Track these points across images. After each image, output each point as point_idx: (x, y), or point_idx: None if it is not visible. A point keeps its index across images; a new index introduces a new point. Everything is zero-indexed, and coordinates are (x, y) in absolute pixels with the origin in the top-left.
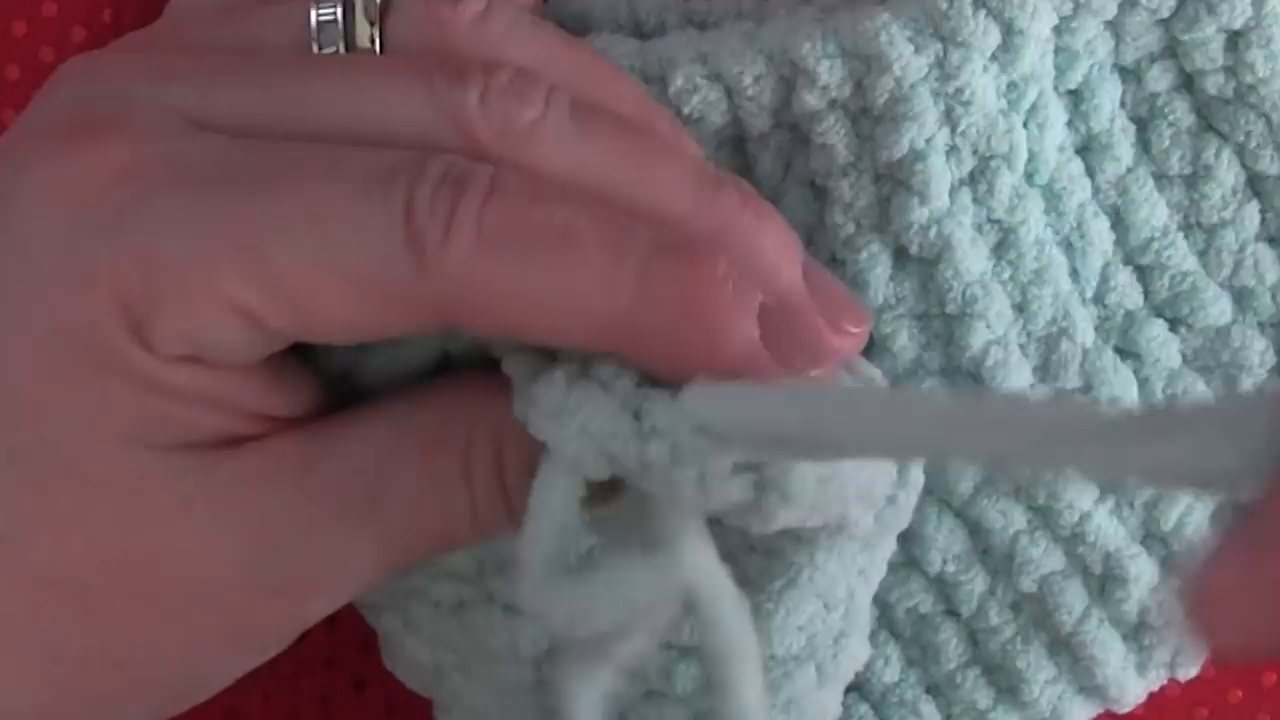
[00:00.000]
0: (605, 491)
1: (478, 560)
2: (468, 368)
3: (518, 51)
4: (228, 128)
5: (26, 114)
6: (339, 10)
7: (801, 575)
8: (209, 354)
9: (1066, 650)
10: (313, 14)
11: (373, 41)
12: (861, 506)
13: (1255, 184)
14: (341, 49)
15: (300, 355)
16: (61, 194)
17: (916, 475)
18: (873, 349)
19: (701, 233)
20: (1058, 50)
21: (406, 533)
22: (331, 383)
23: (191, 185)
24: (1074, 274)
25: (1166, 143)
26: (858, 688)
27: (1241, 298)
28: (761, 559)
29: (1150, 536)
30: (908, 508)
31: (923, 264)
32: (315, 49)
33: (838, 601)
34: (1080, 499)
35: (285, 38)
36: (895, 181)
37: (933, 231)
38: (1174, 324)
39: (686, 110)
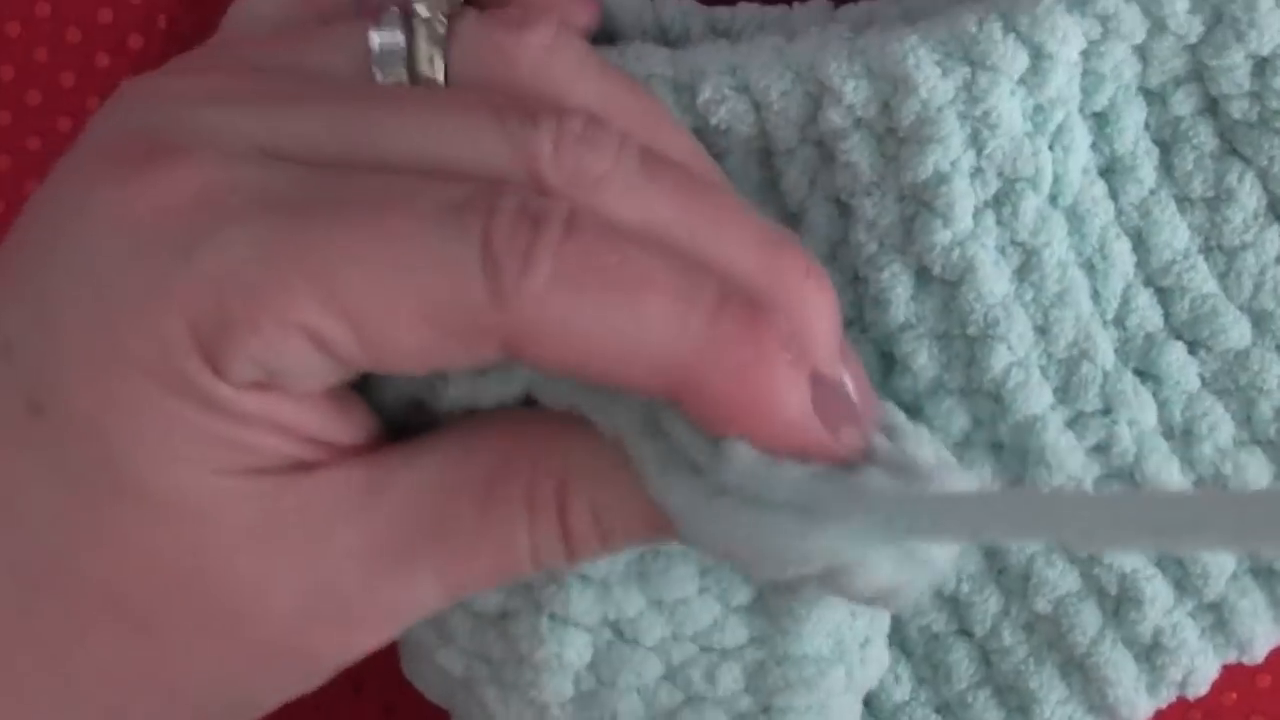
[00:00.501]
0: None
1: None
2: (529, 411)
3: (585, 92)
4: (297, 159)
5: (88, 135)
6: (401, 36)
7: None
8: (280, 380)
9: (1079, 671)
10: (375, 38)
11: (434, 67)
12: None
13: (1277, 208)
14: (404, 76)
15: (360, 383)
16: (130, 218)
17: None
18: (894, 368)
19: (764, 291)
20: (1085, 73)
21: (465, 569)
22: (401, 411)
23: (264, 212)
24: (1095, 296)
25: (1189, 166)
26: (867, 704)
27: (1261, 321)
28: None
29: (1166, 558)
30: None
31: (945, 285)
32: (378, 76)
33: (863, 609)
34: None
35: (347, 64)
36: (919, 202)
37: (955, 253)
38: (1193, 346)
39: (714, 120)
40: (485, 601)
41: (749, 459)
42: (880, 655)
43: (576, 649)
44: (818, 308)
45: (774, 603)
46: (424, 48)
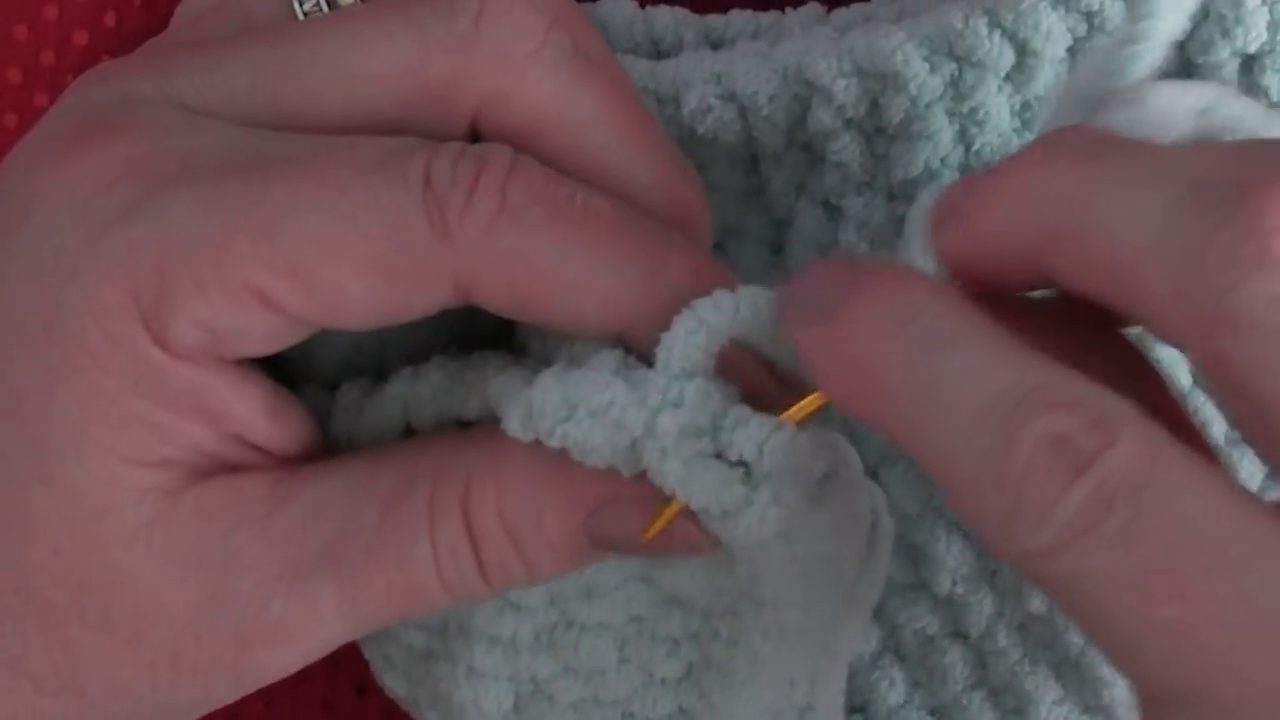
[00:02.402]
0: None
1: (443, 618)
2: (435, 432)
3: None
4: (228, 111)
5: (38, 124)
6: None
7: (764, 668)
8: (225, 343)
9: (1075, 671)
10: (295, 5)
11: None
12: (839, 542)
13: None
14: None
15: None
16: (67, 192)
17: (880, 562)
18: None
19: (659, 208)
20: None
21: (367, 588)
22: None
23: (201, 175)
24: None
25: None
26: (862, 709)
27: None
28: (727, 647)
29: None
30: (876, 585)
31: None
32: (299, 14)
33: (801, 679)
34: None
35: (270, 15)
36: (910, 200)
37: None
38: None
39: (700, 130)
40: (412, 636)
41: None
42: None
43: (495, 697)
44: (698, 235)
45: (705, 679)
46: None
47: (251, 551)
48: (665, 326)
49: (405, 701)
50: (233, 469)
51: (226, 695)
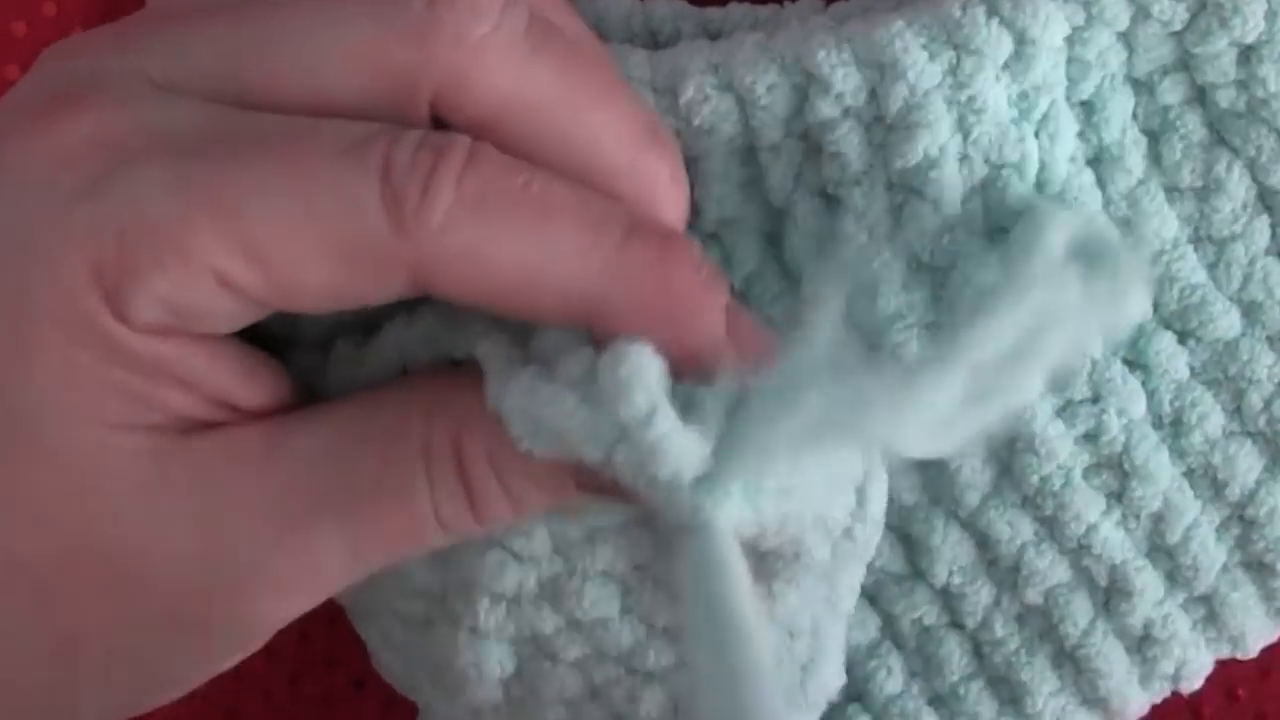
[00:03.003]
0: None
1: (442, 581)
2: (427, 372)
3: None
4: (193, 86)
5: (4, 98)
6: None
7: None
8: (186, 322)
9: (1071, 662)
10: None
11: None
12: (817, 535)
13: (1266, 198)
14: None
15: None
16: (32, 166)
17: (876, 510)
18: (884, 359)
19: (624, 181)
20: (1070, 61)
21: (368, 529)
22: (302, 382)
23: (166, 152)
24: None
25: (1178, 155)
26: (859, 699)
27: (1250, 311)
28: None
29: (1156, 549)
30: (867, 541)
31: (935, 273)
32: None
33: (801, 631)
34: (1087, 510)
35: None
36: (908, 190)
37: (945, 240)
38: (1182, 336)
39: (697, 121)
40: (410, 606)
41: (564, 337)
42: (829, 678)
43: (497, 659)
44: (668, 211)
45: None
46: None
47: (249, 503)
48: (624, 316)
49: (403, 682)
50: (221, 426)
51: (226, 651)
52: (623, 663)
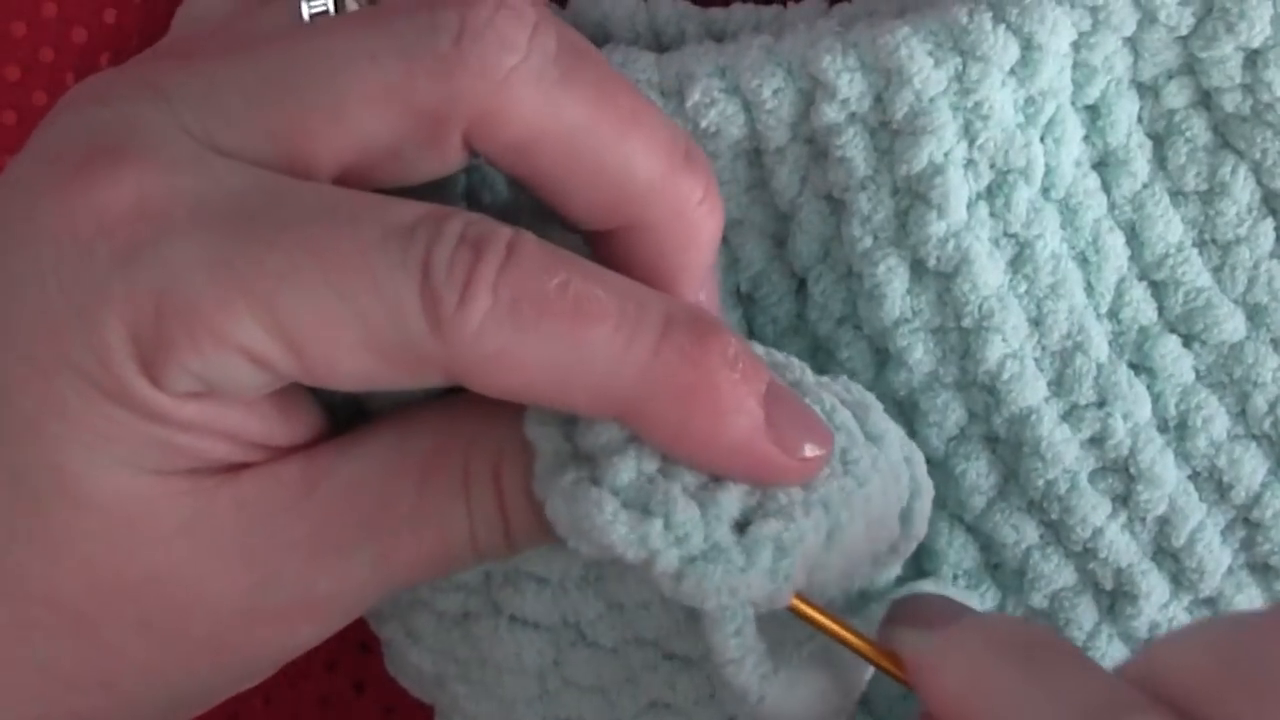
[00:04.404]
0: None
1: (485, 571)
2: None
3: None
4: (227, 141)
5: (34, 140)
6: (330, 1)
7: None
8: (219, 390)
9: None
10: (304, 8)
11: None
12: (863, 567)
13: (1270, 201)
14: None
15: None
16: (72, 226)
17: (920, 527)
18: (889, 362)
19: (655, 208)
20: (1076, 65)
21: (405, 555)
22: (333, 405)
23: (206, 226)
24: (1089, 289)
25: (1183, 159)
26: (862, 702)
27: (1255, 314)
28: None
29: (1161, 552)
30: (908, 551)
31: (940, 277)
32: None
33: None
34: (1093, 513)
35: (274, 24)
36: (913, 195)
37: (950, 245)
38: (1187, 340)
39: (704, 124)
40: (448, 601)
41: (612, 436)
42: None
43: (537, 649)
44: (701, 233)
45: None
46: (351, 7)
47: (293, 534)
48: (658, 416)
49: (427, 683)
50: (259, 463)
51: (264, 673)
52: (661, 647)
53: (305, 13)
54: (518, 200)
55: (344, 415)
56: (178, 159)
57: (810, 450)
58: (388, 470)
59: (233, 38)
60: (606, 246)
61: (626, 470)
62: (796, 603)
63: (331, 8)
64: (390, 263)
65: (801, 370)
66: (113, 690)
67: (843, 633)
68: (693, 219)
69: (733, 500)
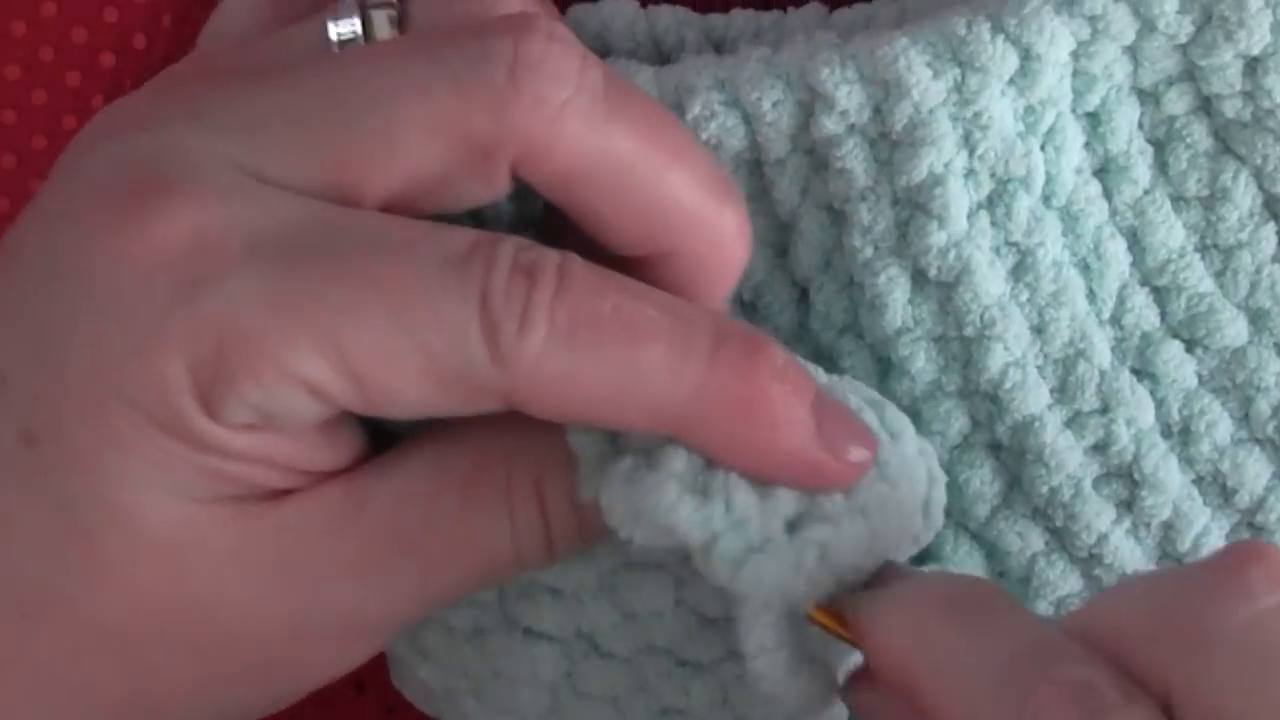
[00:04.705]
0: None
1: (498, 586)
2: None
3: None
4: (279, 174)
5: (74, 167)
6: (358, 22)
7: None
8: (271, 421)
9: None
10: (332, 29)
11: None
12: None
13: (1272, 206)
14: None
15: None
16: (129, 261)
17: (938, 518)
18: (890, 372)
19: (689, 234)
20: (1076, 73)
21: (449, 571)
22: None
23: (264, 258)
24: (1091, 295)
25: (1184, 165)
26: None
27: (1258, 319)
28: None
29: (1166, 557)
30: (927, 541)
31: (941, 287)
32: None
33: None
34: (1098, 520)
35: (305, 46)
36: (914, 205)
37: (951, 255)
38: (1190, 345)
39: (704, 136)
40: (459, 617)
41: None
42: None
43: (551, 662)
44: (734, 261)
45: None
46: (380, 28)
47: (338, 557)
48: (713, 430)
49: (436, 697)
50: (302, 488)
51: (300, 692)
52: (674, 654)
53: (333, 34)
54: (522, 212)
55: (382, 435)
56: (228, 190)
57: (857, 454)
58: (429, 489)
59: (267, 61)
60: (639, 271)
61: (679, 458)
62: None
63: (360, 29)
64: (449, 294)
65: (815, 373)
66: (160, 715)
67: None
68: (729, 248)
69: (788, 499)
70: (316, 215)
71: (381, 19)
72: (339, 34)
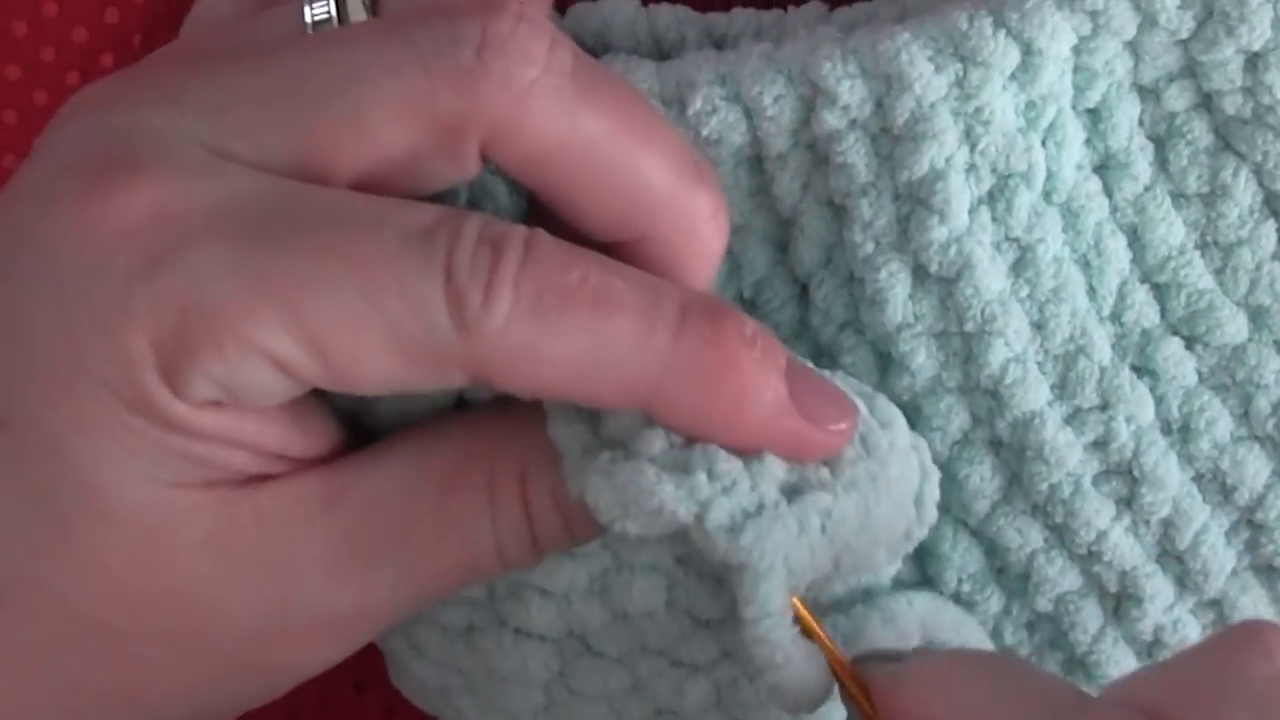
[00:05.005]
0: None
1: (488, 585)
2: (485, 408)
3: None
4: (247, 155)
5: (44, 147)
6: (332, 4)
7: None
8: (238, 398)
9: (1081, 669)
10: (307, 12)
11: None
12: (879, 552)
13: (1272, 203)
14: None
15: (319, 395)
16: (92, 237)
17: (931, 513)
18: (891, 367)
19: (666, 216)
20: (1077, 69)
21: (430, 569)
22: (350, 421)
23: (226, 232)
24: (1091, 292)
25: (1184, 161)
26: None
27: (1258, 316)
28: None
29: (1166, 555)
30: (920, 538)
31: (942, 282)
32: None
33: (843, 619)
34: (1097, 517)
35: (280, 30)
36: (915, 200)
37: (952, 250)
38: (1190, 342)
39: (705, 132)
40: (451, 615)
41: (636, 418)
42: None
43: (542, 660)
44: (710, 247)
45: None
46: (354, 10)
47: (312, 551)
48: (683, 400)
49: (431, 694)
50: (280, 477)
51: (280, 688)
52: (667, 655)
53: (308, 16)
54: (518, 209)
55: (361, 432)
56: (193, 167)
57: (836, 423)
58: (409, 485)
59: (241, 44)
60: (614, 257)
61: (658, 441)
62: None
63: (334, 12)
64: (414, 265)
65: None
66: (138, 704)
67: (824, 637)
68: (703, 233)
69: (777, 465)
70: (281, 190)
71: (355, 1)
72: (314, 16)
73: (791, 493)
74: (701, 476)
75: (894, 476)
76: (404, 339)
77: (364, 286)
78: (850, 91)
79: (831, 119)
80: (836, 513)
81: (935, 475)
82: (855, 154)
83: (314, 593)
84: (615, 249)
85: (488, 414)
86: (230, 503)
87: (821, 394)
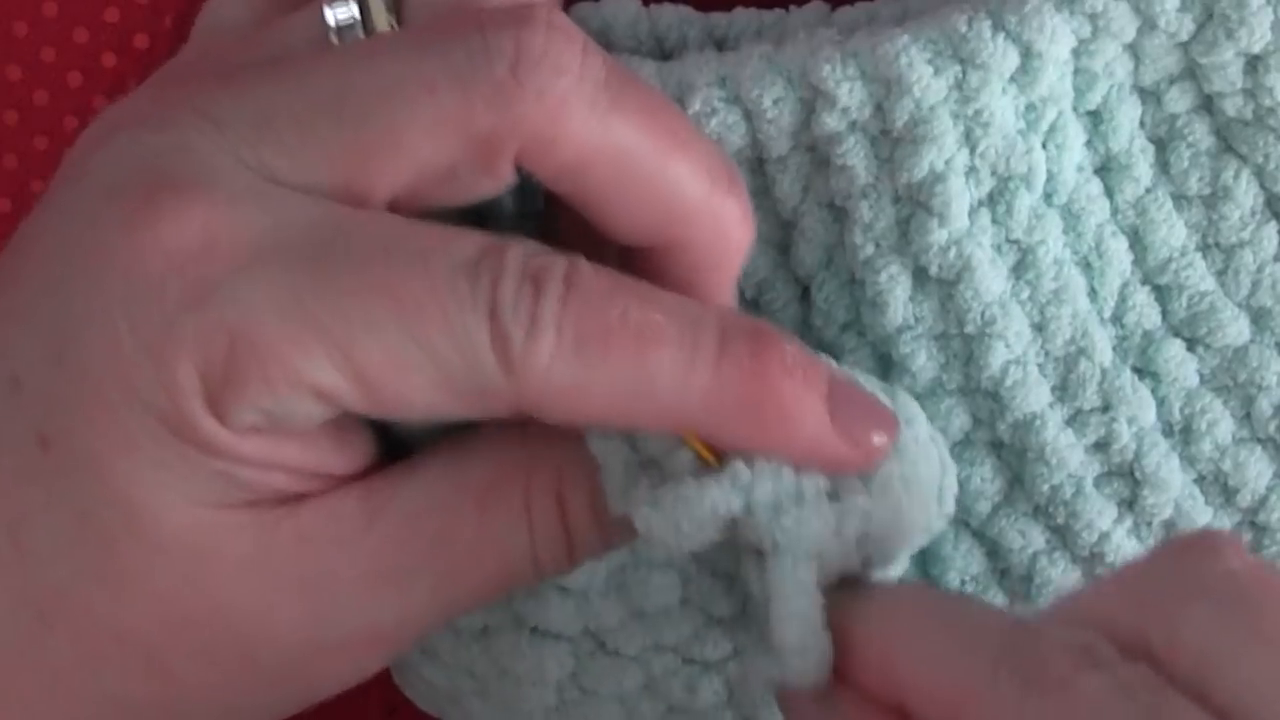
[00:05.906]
0: None
1: None
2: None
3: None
4: (286, 174)
5: (83, 166)
6: (354, 6)
7: None
8: (281, 424)
9: None
10: (330, 14)
11: (392, 29)
12: (902, 544)
13: (1273, 205)
14: None
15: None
16: (141, 264)
17: (950, 505)
18: (892, 369)
19: (703, 228)
20: (1077, 71)
21: (467, 581)
22: (380, 427)
23: (275, 263)
24: (1092, 294)
25: (1185, 163)
26: None
27: (1259, 318)
28: None
29: None
30: (939, 530)
31: (942, 284)
32: None
33: None
34: (1099, 519)
35: (303, 39)
36: (915, 203)
37: (952, 252)
38: (1192, 344)
39: (705, 132)
40: (466, 618)
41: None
42: None
43: (558, 660)
44: (739, 252)
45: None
46: (378, 13)
47: (352, 567)
48: (724, 428)
49: (440, 697)
50: (318, 495)
51: (316, 698)
52: (681, 653)
53: (331, 20)
54: (523, 208)
55: (396, 440)
56: (240, 193)
57: (877, 438)
58: (446, 498)
59: (271, 56)
60: (643, 261)
61: (688, 457)
62: None
63: (357, 15)
64: (460, 302)
65: (829, 363)
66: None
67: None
68: (733, 238)
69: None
70: (327, 218)
71: (378, 3)
72: (337, 19)
73: (834, 494)
74: (739, 465)
75: (922, 476)
76: (450, 376)
77: (412, 324)
78: (850, 94)
79: (831, 121)
80: (875, 516)
81: (953, 468)
82: (855, 156)
83: (353, 608)
84: (646, 253)
85: (522, 426)
86: (271, 522)
87: (861, 411)
